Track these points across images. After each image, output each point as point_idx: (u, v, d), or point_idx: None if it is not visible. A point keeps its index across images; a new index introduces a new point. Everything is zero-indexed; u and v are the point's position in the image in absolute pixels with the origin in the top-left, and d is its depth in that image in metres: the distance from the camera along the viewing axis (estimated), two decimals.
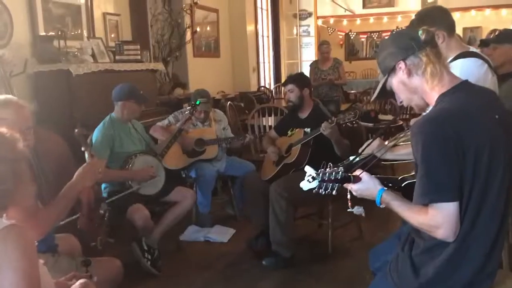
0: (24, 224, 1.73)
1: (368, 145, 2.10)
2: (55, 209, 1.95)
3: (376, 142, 2.15)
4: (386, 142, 2.20)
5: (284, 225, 3.17)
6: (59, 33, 4.11)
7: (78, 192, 2.07)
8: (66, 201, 1.98)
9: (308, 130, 3.41)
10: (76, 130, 2.39)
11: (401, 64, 1.58)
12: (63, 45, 4.08)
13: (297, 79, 3.60)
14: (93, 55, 4.31)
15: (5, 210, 1.36)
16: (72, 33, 4.49)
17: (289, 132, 3.56)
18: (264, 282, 3.08)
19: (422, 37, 1.55)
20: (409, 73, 1.58)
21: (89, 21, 4.74)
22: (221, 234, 3.85)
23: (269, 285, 3.05)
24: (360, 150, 2.04)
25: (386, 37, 1.69)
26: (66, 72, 3.84)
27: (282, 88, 8.58)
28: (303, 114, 3.56)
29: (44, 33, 4.10)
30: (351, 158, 2.07)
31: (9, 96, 2.05)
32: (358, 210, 1.84)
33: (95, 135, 3.26)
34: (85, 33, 4.66)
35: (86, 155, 2.33)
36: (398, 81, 1.62)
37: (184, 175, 4.03)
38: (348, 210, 1.83)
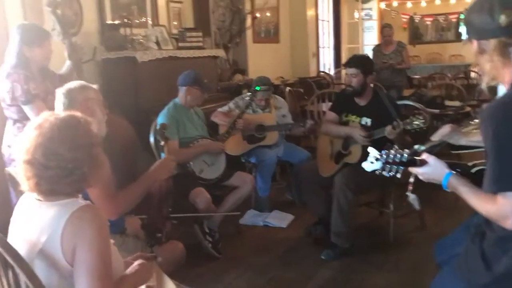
0: (103, 204, 1.84)
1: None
2: (131, 195, 2.05)
3: (447, 128, 2.05)
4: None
5: (346, 216, 3.11)
6: (125, 21, 4.25)
7: (153, 182, 2.16)
8: (141, 189, 2.08)
9: (367, 121, 3.23)
10: (157, 126, 2.51)
11: (475, 42, 1.53)
12: (129, 32, 4.22)
13: (363, 64, 3.29)
14: (157, 42, 4.42)
15: (81, 192, 1.44)
16: (137, 21, 4.63)
17: (344, 118, 3.36)
18: (323, 270, 3.06)
19: (503, 22, 1.42)
20: (481, 52, 1.51)
21: (153, 9, 4.86)
22: (279, 219, 3.87)
23: (327, 273, 3.03)
24: (432, 138, 1.95)
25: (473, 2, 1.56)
26: (132, 59, 3.98)
27: (343, 69, 8.41)
28: (362, 101, 3.32)
29: (111, 22, 4.25)
30: (416, 147, 1.98)
31: (79, 81, 2.16)
32: (413, 199, 1.79)
33: (160, 119, 3.35)
34: (149, 21, 4.79)
35: (164, 150, 2.43)
36: (474, 51, 1.56)
37: (243, 161, 4.08)
38: (407, 193, 1.78)
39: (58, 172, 1.32)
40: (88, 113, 1.98)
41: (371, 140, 3.06)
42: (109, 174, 1.97)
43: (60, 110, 2.00)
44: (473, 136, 1.96)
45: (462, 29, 1.60)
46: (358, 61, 3.33)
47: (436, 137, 1.97)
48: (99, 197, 1.89)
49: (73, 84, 2.09)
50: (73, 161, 1.33)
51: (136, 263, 1.62)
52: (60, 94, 2.05)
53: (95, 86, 2.17)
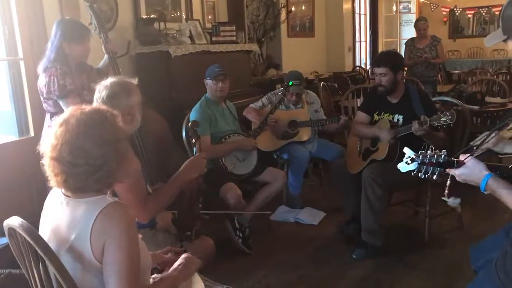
0: (134, 209, 1.84)
1: (484, 140, 1.86)
2: (162, 197, 2.04)
3: (494, 139, 1.91)
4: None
5: (377, 213, 3.05)
6: (160, 15, 4.29)
7: (184, 182, 2.13)
8: (172, 190, 2.07)
9: (399, 118, 3.14)
10: (189, 124, 2.49)
11: None
12: (163, 27, 4.25)
13: (391, 61, 3.16)
14: (190, 37, 4.44)
15: (109, 188, 1.43)
16: (172, 15, 4.66)
17: (376, 116, 3.28)
18: (354, 269, 3.01)
19: None
20: None
21: (187, 3, 4.88)
22: (311, 216, 3.83)
23: (359, 272, 2.97)
24: (472, 143, 1.84)
25: None
26: (166, 53, 4.01)
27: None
28: (394, 99, 3.23)
29: (145, 16, 4.29)
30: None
31: (120, 80, 2.07)
32: (454, 201, 1.71)
33: (193, 115, 3.36)
34: (183, 15, 4.81)
35: (195, 148, 2.41)
36: None
37: (275, 156, 4.05)
38: (442, 198, 1.71)
39: (86, 169, 1.31)
40: (128, 119, 1.97)
41: (397, 138, 3.01)
42: (141, 177, 1.97)
43: None
44: None
45: (496, 32, 1.52)
46: (387, 59, 3.21)
47: (478, 142, 1.86)
48: (130, 202, 1.87)
49: (116, 86, 1.98)
50: (101, 157, 1.32)
51: (182, 257, 1.64)
52: (103, 93, 1.96)
53: (135, 81, 2.10)
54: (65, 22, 2.88)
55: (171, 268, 1.59)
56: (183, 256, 1.66)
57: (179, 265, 1.60)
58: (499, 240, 1.74)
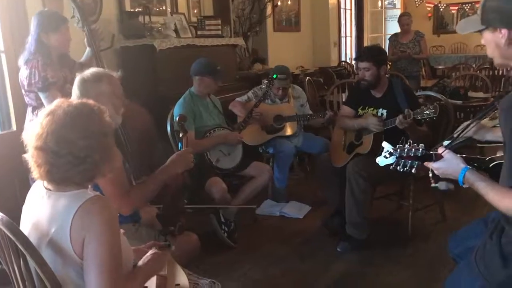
0: (116, 201, 1.81)
1: (465, 129, 1.88)
2: (146, 190, 2.02)
3: (474, 127, 1.94)
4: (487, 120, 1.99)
5: (361, 205, 3.07)
6: (144, 9, 4.25)
7: (170, 176, 2.11)
8: (157, 183, 2.04)
9: (383, 112, 3.17)
10: (177, 118, 2.48)
11: (504, 31, 1.45)
12: (147, 20, 4.21)
13: (375, 56, 3.18)
14: (175, 31, 4.41)
15: (91, 182, 1.42)
16: (156, 9, 4.62)
17: (360, 111, 3.30)
18: (339, 262, 3.03)
19: None
20: (509, 43, 1.45)
21: None
22: (296, 210, 3.84)
23: (343, 266, 2.99)
24: (455, 135, 1.86)
25: None
26: (150, 47, 3.97)
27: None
28: (378, 93, 3.25)
29: (130, 9, 4.25)
30: (445, 143, 1.90)
31: (97, 69, 2.08)
32: (444, 185, 1.72)
33: (177, 109, 3.34)
34: (168, 9, 4.77)
35: (182, 142, 2.39)
36: (492, 39, 1.49)
37: (261, 151, 4.05)
38: (432, 185, 1.72)
39: (70, 160, 1.30)
40: None
41: (381, 132, 3.03)
42: (122, 170, 1.95)
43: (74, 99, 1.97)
44: (499, 131, 1.88)
45: (471, 19, 1.53)
46: (370, 54, 3.23)
47: (463, 134, 1.88)
48: (112, 194, 1.86)
49: (88, 74, 1.99)
50: (85, 149, 1.31)
51: (149, 253, 1.61)
52: (75, 82, 1.98)
53: (115, 74, 2.07)
54: (42, 14, 2.86)
55: (139, 262, 1.56)
56: (150, 252, 1.63)
57: (147, 259, 1.57)
58: (477, 229, 1.77)
